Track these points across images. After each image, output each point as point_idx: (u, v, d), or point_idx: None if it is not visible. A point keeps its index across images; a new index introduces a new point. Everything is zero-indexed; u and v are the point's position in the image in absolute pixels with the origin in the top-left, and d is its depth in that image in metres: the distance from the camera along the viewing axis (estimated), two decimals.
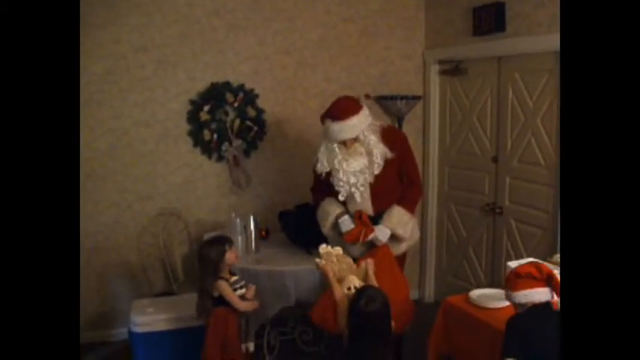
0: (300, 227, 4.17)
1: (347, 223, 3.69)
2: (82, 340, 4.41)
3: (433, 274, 5.36)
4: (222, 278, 3.35)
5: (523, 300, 2.42)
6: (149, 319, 3.70)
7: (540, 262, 2.62)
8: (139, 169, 4.54)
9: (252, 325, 3.49)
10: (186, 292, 4.23)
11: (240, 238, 4.12)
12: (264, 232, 4.50)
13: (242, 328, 3.45)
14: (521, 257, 4.08)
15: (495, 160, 4.44)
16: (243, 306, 3.40)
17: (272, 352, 4.25)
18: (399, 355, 3.91)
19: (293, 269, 3.87)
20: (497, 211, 4.44)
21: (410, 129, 5.09)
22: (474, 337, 3.00)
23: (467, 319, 3.06)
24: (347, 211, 3.74)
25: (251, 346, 3.50)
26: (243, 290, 3.44)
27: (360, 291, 2.68)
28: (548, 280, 2.41)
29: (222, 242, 3.38)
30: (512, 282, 2.47)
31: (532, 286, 2.40)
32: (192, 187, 4.70)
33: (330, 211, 3.77)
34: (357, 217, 3.65)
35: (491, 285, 4.21)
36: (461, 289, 4.66)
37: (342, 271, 3.20)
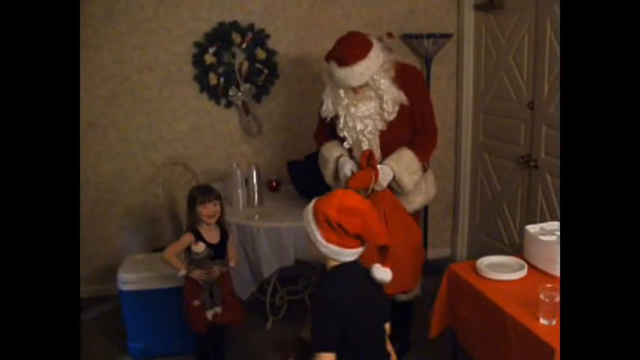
0: (307, 179, 3.81)
1: (348, 165, 3.16)
2: (87, 294, 4.34)
3: (466, 232, 4.92)
4: (195, 232, 3.09)
5: (332, 255, 1.97)
6: (136, 276, 3.46)
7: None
8: (142, 116, 4.27)
9: (217, 293, 3.14)
10: None
11: (240, 190, 3.83)
12: (274, 184, 4.20)
13: (206, 296, 3.11)
14: (556, 217, 3.64)
15: (531, 106, 3.92)
16: (179, 270, 3.07)
17: (277, 314, 3.99)
18: (408, 324, 3.56)
19: (291, 226, 3.54)
20: (532, 164, 3.94)
21: (441, 71, 4.60)
22: (477, 312, 2.62)
23: (469, 291, 2.68)
24: (350, 155, 3.24)
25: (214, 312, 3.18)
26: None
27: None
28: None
29: (203, 192, 3.10)
30: (324, 228, 1.97)
31: (346, 245, 1.94)
32: (199, 135, 4.39)
33: (328, 157, 3.30)
34: (366, 156, 3.01)
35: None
36: (494, 249, 4.27)
37: None
